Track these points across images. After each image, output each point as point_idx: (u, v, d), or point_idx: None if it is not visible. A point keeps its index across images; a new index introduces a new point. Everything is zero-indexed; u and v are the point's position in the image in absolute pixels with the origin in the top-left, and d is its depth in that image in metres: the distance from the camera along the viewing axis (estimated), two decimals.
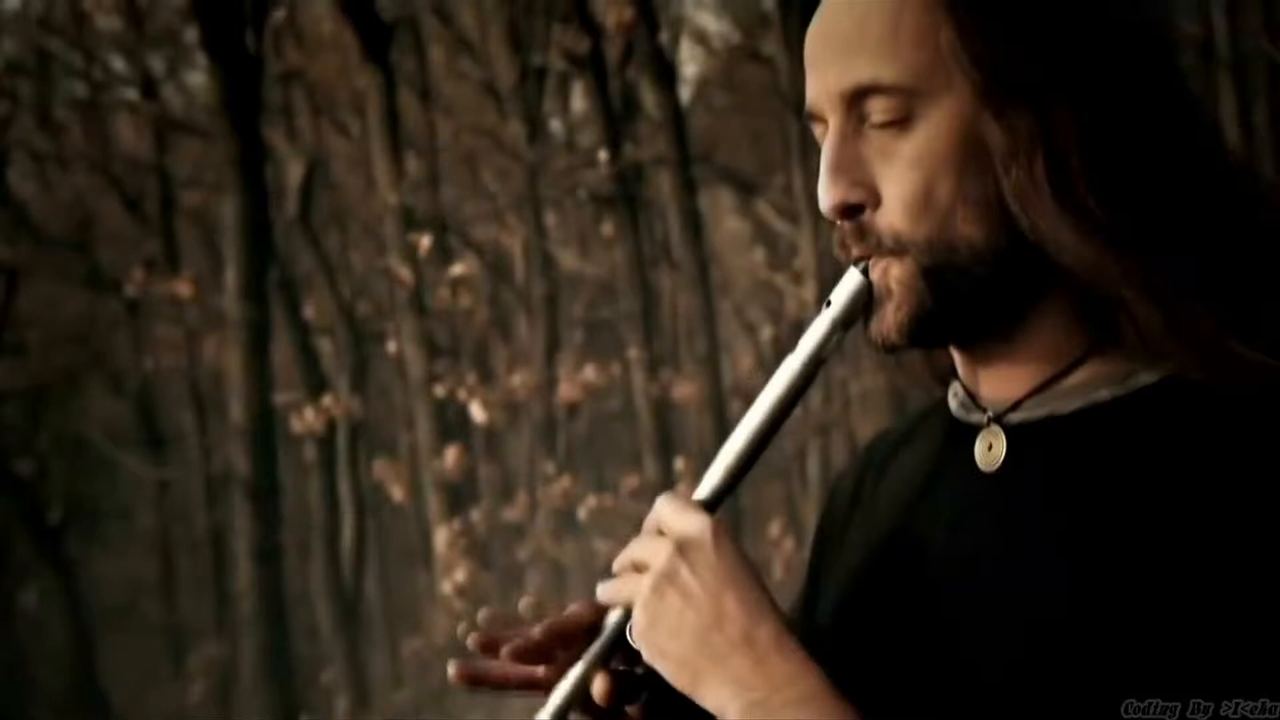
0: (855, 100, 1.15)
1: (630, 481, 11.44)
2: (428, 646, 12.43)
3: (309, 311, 14.73)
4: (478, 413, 11.13)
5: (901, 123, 1.14)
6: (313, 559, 14.86)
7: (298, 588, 14.31)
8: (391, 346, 12.61)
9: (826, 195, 1.16)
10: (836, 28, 1.17)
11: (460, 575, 10.64)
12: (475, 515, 11.29)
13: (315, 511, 14.96)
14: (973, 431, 1.20)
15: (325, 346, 15.72)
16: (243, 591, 11.57)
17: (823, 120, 1.18)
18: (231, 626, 14.13)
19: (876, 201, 1.15)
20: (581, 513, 10.76)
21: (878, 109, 1.14)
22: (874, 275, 1.17)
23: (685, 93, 15.23)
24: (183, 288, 12.97)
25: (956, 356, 1.22)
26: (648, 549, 1.16)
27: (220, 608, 16.05)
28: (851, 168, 1.16)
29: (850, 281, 1.18)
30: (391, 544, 16.31)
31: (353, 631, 14.08)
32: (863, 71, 1.14)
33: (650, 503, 1.19)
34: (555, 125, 15.95)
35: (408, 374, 12.36)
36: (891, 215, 1.15)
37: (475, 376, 11.88)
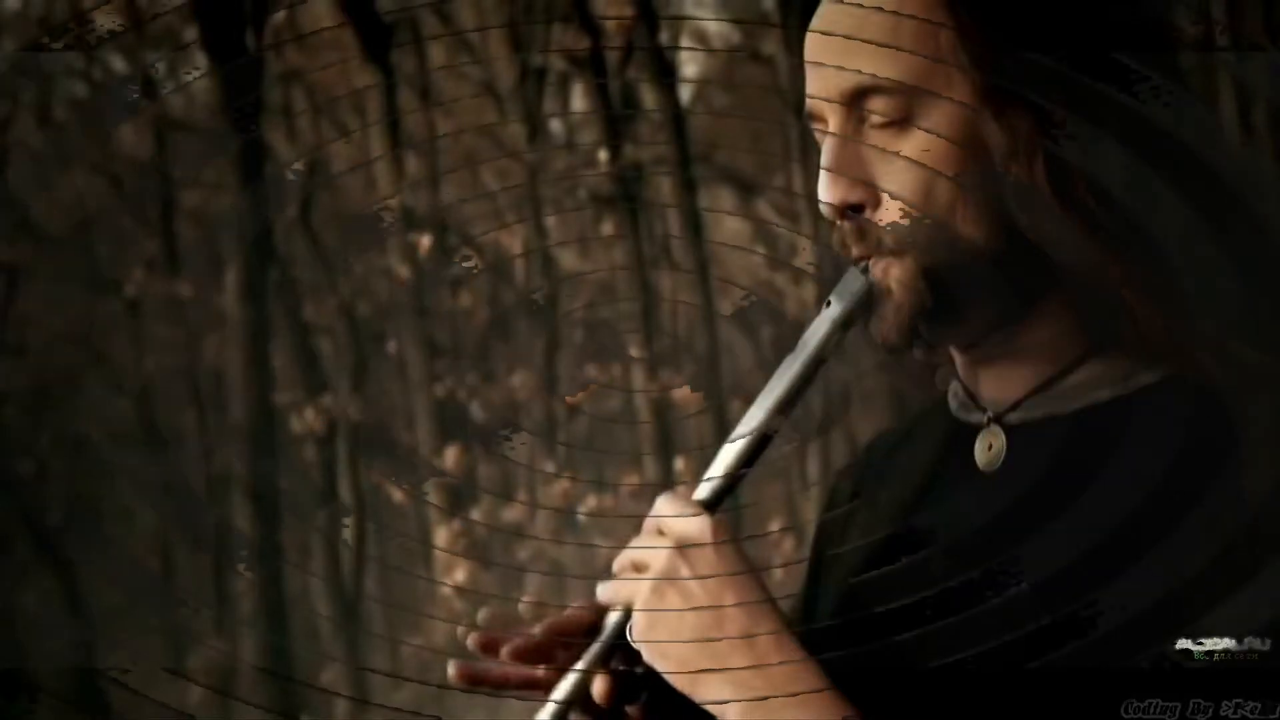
0: (855, 100, 1.15)
1: (630, 481, 11.42)
2: (428, 646, 12.40)
3: (309, 311, 14.70)
4: (478, 413, 11.12)
5: (901, 123, 1.14)
6: (313, 559, 14.83)
7: (298, 588, 14.29)
8: (391, 346, 12.60)
9: (826, 195, 1.16)
10: (836, 28, 1.16)
11: (460, 575, 10.63)
12: (475, 515, 11.28)
13: (315, 511, 14.93)
14: (973, 431, 1.20)
15: (325, 346, 15.70)
16: (243, 591, 11.56)
17: (823, 120, 1.18)
18: (231, 626, 14.11)
19: (876, 201, 1.15)
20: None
21: (878, 109, 1.14)
22: (874, 275, 1.16)
23: (685, 93, 15.20)
24: (183, 288, 12.96)
25: (956, 356, 1.22)
26: (648, 549, 1.16)
27: (220, 608, 16.03)
28: (851, 167, 1.16)
29: (850, 281, 1.18)
30: (391, 544, 16.28)
31: (353, 631, 14.06)
32: (863, 71, 1.14)
33: (650, 503, 1.19)
34: (555, 125, 15.93)
35: (408, 374, 12.35)
36: (891, 215, 1.15)
37: (475, 376, 11.87)
